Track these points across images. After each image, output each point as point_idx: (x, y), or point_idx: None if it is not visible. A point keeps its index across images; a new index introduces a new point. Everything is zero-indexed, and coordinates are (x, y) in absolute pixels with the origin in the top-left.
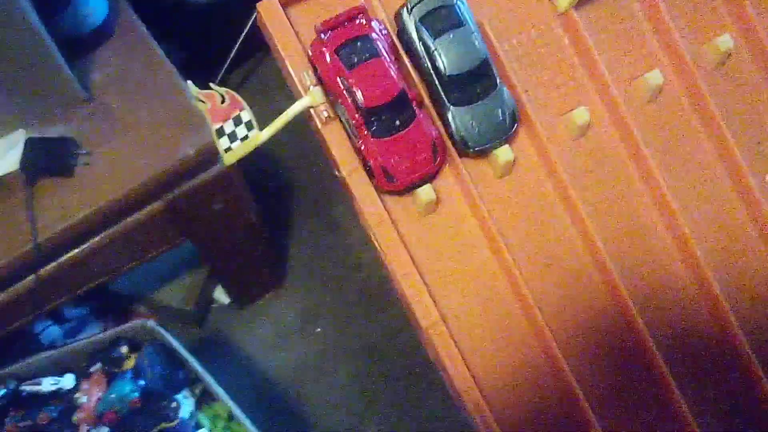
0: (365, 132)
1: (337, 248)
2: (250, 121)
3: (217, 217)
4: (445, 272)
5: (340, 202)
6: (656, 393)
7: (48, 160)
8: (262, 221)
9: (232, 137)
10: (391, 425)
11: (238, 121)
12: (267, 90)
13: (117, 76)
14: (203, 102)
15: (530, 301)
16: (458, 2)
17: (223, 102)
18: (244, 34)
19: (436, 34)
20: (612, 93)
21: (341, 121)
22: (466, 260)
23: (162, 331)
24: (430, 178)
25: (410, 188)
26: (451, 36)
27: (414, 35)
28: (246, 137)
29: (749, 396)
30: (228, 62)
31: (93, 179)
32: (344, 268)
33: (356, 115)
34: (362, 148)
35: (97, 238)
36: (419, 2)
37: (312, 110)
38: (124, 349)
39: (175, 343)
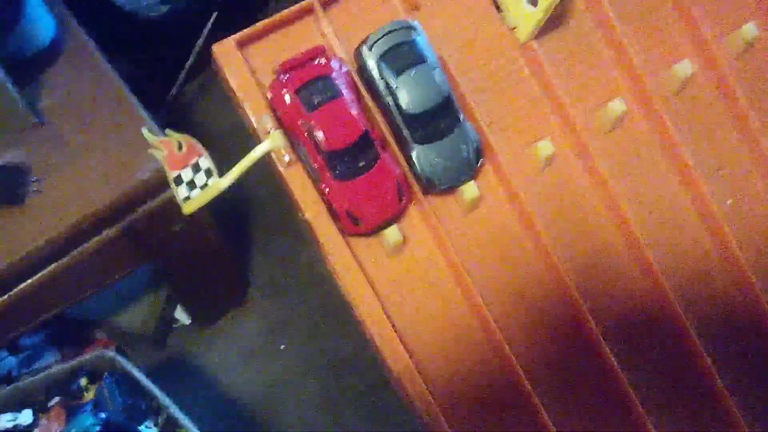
0: (328, 175)
1: (299, 262)
2: (209, 169)
3: (178, 238)
4: (415, 312)
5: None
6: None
7: None
8: (222, 239)
9: (191, 185)
10: None
11: (196, 169)
12: (223, 102)
13: (68, 99)
14: (159, 150)
15: (498, 336)
16: (418, 38)
17: (180, 149)
18: (198, 45)
19: (397, 72)
20: (575, 123)
21: (303, 163)
22: (434, 298)
23: (123, 360)
24: (396, 218)
25: (376, 230)
26: (413, 73)
27: (375, 73)
28: (206, 185)
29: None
30: (183, 75)
31: (46, 207)
32: (307, 282)
33: (319, 158)
34: (326, 191)
35: (53, 267)
36: (379, 39)
37: (273, 154)
38: (84, 381)
39: (137, 372)
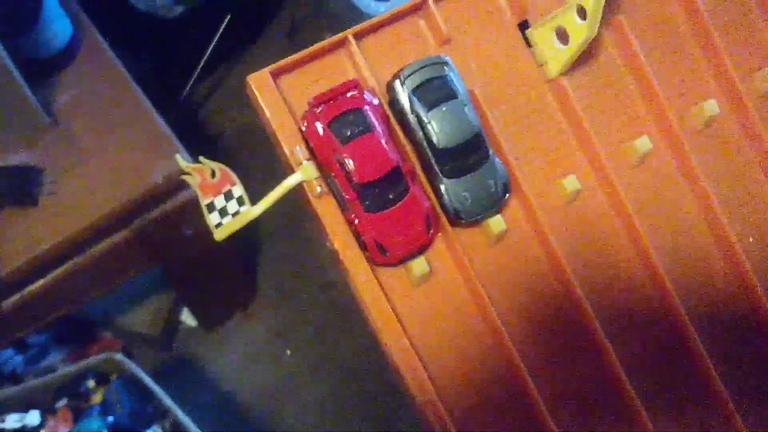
0: (359, 206)
1: (307, 267)
2: (241, 197)
3: (188, 242)
4: (438, 342)
5: (310, 219)
6: None
7: (10, 189)
8: (232, 244)
9: (223, 212)
10: None
11: (229, 196)
12: (232, 102)
13: (82, 101)
14: (193, 176)
15: (522, 370)
16: (450, 73)
17: (213, 176)
18: (211, 47)
19: (429, 106)
20: (601, 159)
21: (333, 194)
22: (458, 329)
23: (130, 363)
24: (423, 249)
25: (403, 261)
26: (444, 108)
27: (407, 106)
28: (237, 212)
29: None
30: (194, 76)
31: (58, 208)
32: (314, 287)
33: (350, 190)
34: (356, 222)
35: (63, 268)
36: (412, 74)
37: (305, 185)
38: (91, 384)
39: (144, 376)
